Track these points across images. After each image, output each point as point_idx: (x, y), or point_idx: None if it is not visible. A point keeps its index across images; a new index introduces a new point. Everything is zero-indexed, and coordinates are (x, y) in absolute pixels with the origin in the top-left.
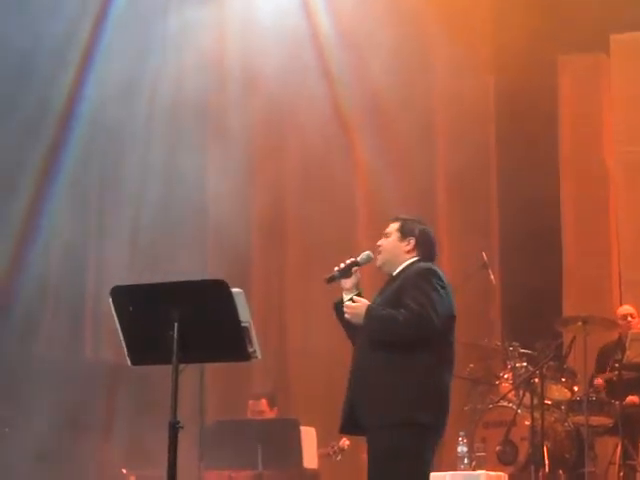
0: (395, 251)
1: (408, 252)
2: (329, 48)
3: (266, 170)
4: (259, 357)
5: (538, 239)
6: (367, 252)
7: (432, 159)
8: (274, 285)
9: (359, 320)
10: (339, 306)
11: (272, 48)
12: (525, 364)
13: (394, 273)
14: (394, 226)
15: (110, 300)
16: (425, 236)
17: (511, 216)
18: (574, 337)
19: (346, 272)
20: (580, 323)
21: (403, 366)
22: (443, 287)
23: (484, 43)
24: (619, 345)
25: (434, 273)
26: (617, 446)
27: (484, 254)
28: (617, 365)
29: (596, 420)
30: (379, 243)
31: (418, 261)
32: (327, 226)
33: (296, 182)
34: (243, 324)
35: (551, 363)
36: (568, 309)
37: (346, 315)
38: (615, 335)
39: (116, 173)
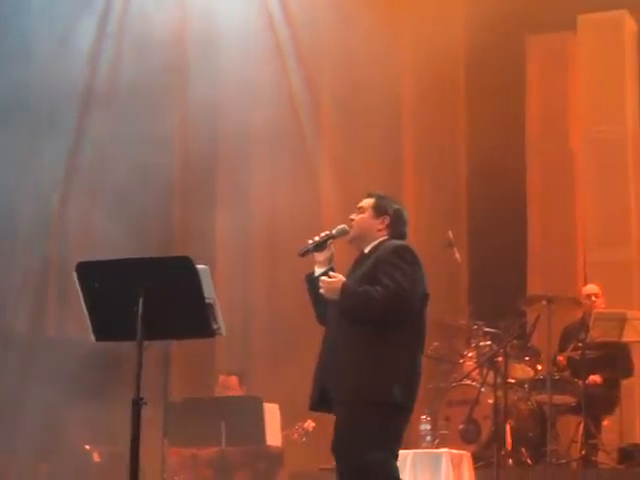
0: (368, 227)
1: (380, 230)
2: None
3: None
4: (223, 334)
5: (505, 220)
6: (343, 225)
7: (399, 134)
8: (239, 262)
9: (334, 296)
10: (311, 279)
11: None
12: (489, 343)
13: (366, 250)
14: (369, 202)
15: (75, 276)
16: (399, 216)
17: (479, 198)
18: (538, 316)
19: (321, 245)
20: (544, 302)
21: (378, 343)
22: (418, 264)
23: (455, 20)
24: (583, 325)
25: (409, 250)
26: (579, 425)
27: (450, 233)
28: (580, 344)
29: (559, 399)
30: (352, 217)
31: (389, 239)
32: (293, 201)
33: (262, 160)
34: (207, 300)
35: (515, 342)
36: (533, 289)
37: (321, 290)
38: (579, 315)
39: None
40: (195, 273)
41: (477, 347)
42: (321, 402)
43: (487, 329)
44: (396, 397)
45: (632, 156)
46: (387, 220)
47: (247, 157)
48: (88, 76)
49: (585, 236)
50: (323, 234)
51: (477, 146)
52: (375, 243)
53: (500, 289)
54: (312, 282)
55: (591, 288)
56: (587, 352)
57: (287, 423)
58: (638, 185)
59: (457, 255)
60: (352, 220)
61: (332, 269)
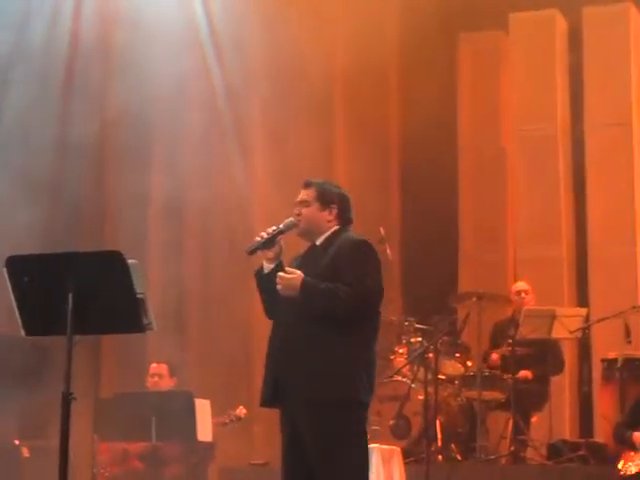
0: (317, 221)
1: (330, 221)
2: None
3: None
4: (154, 329)
5: (437, 216)
6: (290, 219)
7: (332, 127)
8: (172, 256)
9: (292, 293)
10: (261, 275)
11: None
12: (420, 339)
13: (318, 242)
14: (311, 194)
15: (4, 270)
16: (345, 202)
17: (412, 193)
18: (468, 313)
19: (270, 242)
20: (474, 299)
21: (343, 341)
22: (378, 260)
23: (388, 16)
24: (513, 321)
25: (370, 246)
26: (509, 421)
27: (382, 230)
28: (510, 341)
29: (489, 395)
30: (297, 211)
31: (341, 229)
32: (226, 191)
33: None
34: (138, 295)
35: (445, 338)
36: (464, 285)
37: (278, 287)
38: (509, 311)
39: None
40: (126, 268)
41: (408, 343)
42: (274, 397)
43: (418, 325)
44: (364, 394)
45: (562, 154)
46: (335, 211)
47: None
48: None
49: (515, 233)
50: (271, 230)
51: (410, 141)
52: (328, 234)
53: (431, 285)
54: (262, 278)
55: (521, 285)
56: (517, 349)
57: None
58: (568, 183)
59: (388, 251)
60: (298, 215)
61: (281, 263)
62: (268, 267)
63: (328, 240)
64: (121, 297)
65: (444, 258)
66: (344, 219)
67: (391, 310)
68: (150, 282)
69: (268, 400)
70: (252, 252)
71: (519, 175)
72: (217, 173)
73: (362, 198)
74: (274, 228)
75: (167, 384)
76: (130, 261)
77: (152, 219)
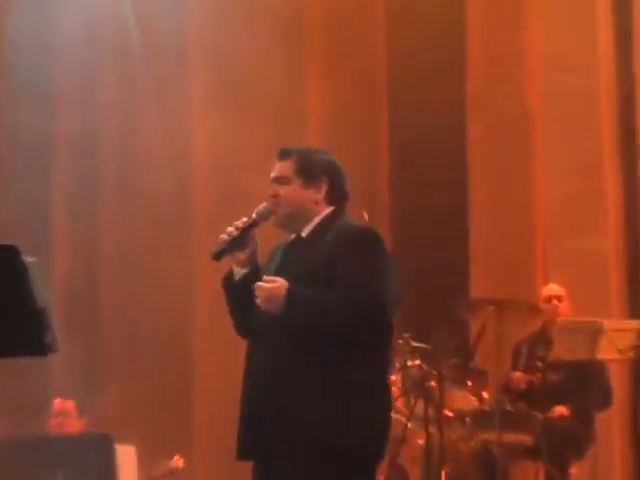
0: (300, 203)
1: (318, 203)
2: None
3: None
4: (59, 349)
5: (439, 199)
6: (264, 205)
7: (304, 98)
8: (81, 252)
9: (276, 307)
10: (231, 283)
11: None
12: (418, 362)
13: (304, 233)
14: (289, 166)
15: None
16: (337, 174)
17: (404, 170)
18: (484, 326)
19: (240, 240)
20: (492, 308)
21: (341, 372)
22: (387, 256)
23: None
24: (543, 337)
25: (376, 238)
26: (539, 472)
27: (365, 214)
28: (540, 364)
29: (512, 437)
30: (273, 193)
31: (334, 213)
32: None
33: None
34: (40, 305)
35: (453, 361)
36: (477, 290)
37: (258, 300)
38: (538, 325)
39: None
40: (22, 267)
41: (403, 368)
42: (253, 448)
43: (416, 344)
44: (372, 445)
45: (607, 115)
46: (325, 186)
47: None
48: None
49: (545, 220)
50: (240, 223)
51: (401, 106)
52: (317, 221)
53: (433, 291)
54: (232, 288)
55: (552, 289)
56: (549, 375)
57: (146, 465)
58: (613, 154)
59: None
60: (274, 197)
61: (258, 268)
62: (240, 272)
63: (318, 229)
64: (15, 307)
65: (450, 253)
66: (337, 198)
67: None
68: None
69: (245, 451)
70: (219, 256)
71: (550, 143)
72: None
73: (342, 156)
74: (244, 220)
75: (75, 425)
76: (27, 259)
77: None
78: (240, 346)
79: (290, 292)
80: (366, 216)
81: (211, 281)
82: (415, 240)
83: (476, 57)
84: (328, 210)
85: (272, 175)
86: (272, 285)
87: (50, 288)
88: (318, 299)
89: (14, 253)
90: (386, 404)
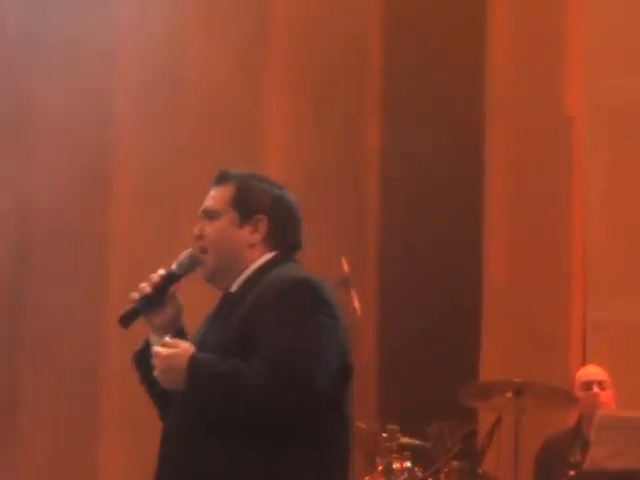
0: (230, 246)
1: (253, 246)
2: None
3: None
4: None
5: (441, 240)
6: (188, 251)
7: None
8: None
9: (176, 380)
10: (143, 357)
11: None
12: (408, 464)
13: (233, 288)
14: (224, 194)
15: None
16: (283, 209)
17: (399, 201)
18: (498, 419)
19: (155, 298)
20: (509, 394)
21: (262, 462)
22: (331, 316)
23: None
24: (578, 437)
25: (314, 291)
26: None
27: (344, 262)
28: (573, 474)
29: None
30: (198, 233)
31: (275, 260)
32: None
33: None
34: None
35: (455, 464)
36: (489, 369)
37: (155, 372)
38: (572, 418)
39: None
40: None
41: (387, 471)
42: None
43: (406, 440)
44: None
45: None
46: (264, 224)
47: None
48: None
49: (585, 270)
50: (156, 277)
51: (395, 116)
52: (249, 272)
53: (432, 370)
54: (144, 362)
55: (592, 372)
56: None
57: None
58: None
59: (356, 303)
60: (199, 237)
61: (183, 332)
62: (157, 342)
63: (250, 282)
64: None
65: (455, 317)
66: (281, 242)
67: (357, 412)
68: None
69: None
70: (125, 320)
71: (594, 162)
72: None
73: (317, 201)
74: (161, 273)
75: None
76: None
77: None
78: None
79: (193, 361)
80: (345, 265)
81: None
82: (408, 304)
83: (502, 54)
84: (266, 257)
85: (202, 207)
86: (170, 352)
87: None
88: (228, 373)
89: None
90: None
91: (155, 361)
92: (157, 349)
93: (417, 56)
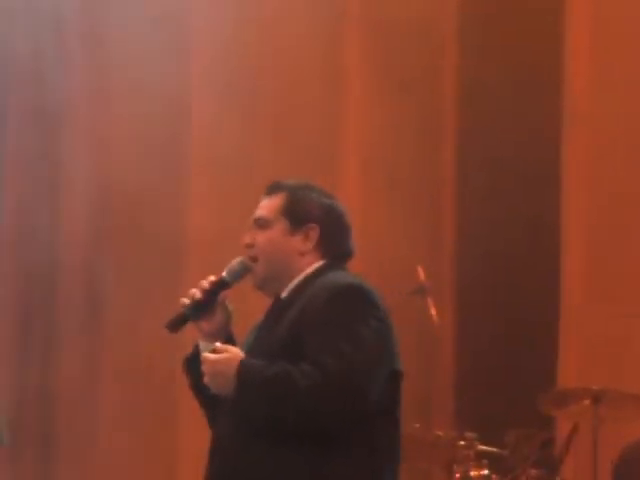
0: (281, 255)
1: (304, 254)
2: None
3: None
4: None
5: (518, 244)
6: (239, 259)
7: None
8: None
9: (225, 386)
10: (193, 363)
11: None
12: (486, 472)
13: (283, 294)
14: (275, 204)
15: None
16: (333, 217)
17: (475, 210)
18: (576, 426)
19: (206, 305)
20: (588, 402)
21: (311, 467)
22: (380, 320)
23: None
24: None
25: (363, 295)
26: None
27: (420, 270)
28: None
29: None
30: (249, 241)
31: (326, 267)
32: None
33: None
34: None
35: (533, 472)
36: (567, 376)
37: (205, 378)
38: None
39: None
40: None
41: (464, 478)
42: None
43: (483, 447)
44: None
45: None
46: (315, 232)
47: None
48: None
49: None
50: (206, 283)
51: (471, 123)
52: (300, 278)
53: (509, 375)
54: (193, 368)
55: None
56: None
57: None
58: None
59: (433, 311)
60: (251, 246)
61: (232, 339)
62: (207, 348)
63: (299, 289)
64: None
65: (533, 327)
66: (333, 249)
67: (435, 420)
68: None
69: None
70: (174, 325)
71: None
72: None
73: (389, 207)
74: (212, 279)
75: None
76: None
77: None
78: None
79: (243, 367)
80: (422, 273)
81: None
82: (485, 312)
83: (580, 52)
84: (317, 264)
85: (253, 216)
86: (219, 357)
87: None
88: (278, 376)
89: None
90: None
91: (204, 367)
92: (206, 355)
93: (494, 65)
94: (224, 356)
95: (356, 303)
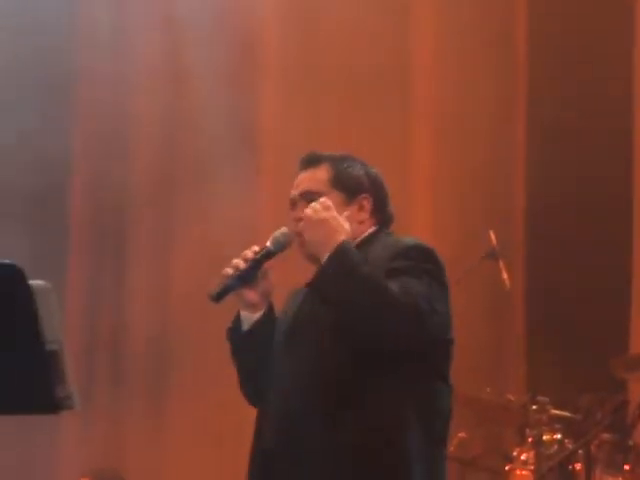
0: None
1: (362, 222)
2: None
3: None
4: (76, 406)
5: (589, 219)
6: (283, 230)
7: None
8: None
9: (321, 243)
10: (239, 334)
11: None
12: (559, 437)
13: None
14: (319, 176)
15: None
16: (380, 185)
17: (546, 178)
18: None
19: (250, 275)
20: None
21: (370, 412)
22: (445, 284)
23: None
24: None
25: (433, 254)
26: None
27: (492, 234)
28: None
29: None
30: (301, 215)
31: (377, 233)
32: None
33: None
34: (49, 347)
35: (606, 436)
36: (639, 338)
37: (302, 224)
38: None
39: None
40: (28, 296)
41: (537, 443)
42: None
43: (556, 411)
44: None
45: None
46: (368, 202)
47: None
48: None
49: None
50: (250, 252)
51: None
52: (356, 243)
53: (581, 339)
54: (240, 340)
55: None
56: None
57: None
58: None
59: (504, 275)
60: (298, 220)
61: (272, 309)
62: (250, 318)
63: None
64: (17, 349)
65: (605, 295)
66: (381, 217)
67: (507, 384)
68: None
69: None
70: (220, 296)
71: None
72: None
73: (456, 176)
74: (256, 249)
75: None
76: (35, 283)
77: None
78: None
79: (344, 245)
80: (493, 237)
81: None
82: (557, 276)
83: None
84: (371, 230)
85: (296, 191)
86: (329, 214)
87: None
88: (373, 275)
89: (17, 275)
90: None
91: (306, 216)
92: (313, 205)
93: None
94: (334, 214)
95: (426, 261)
